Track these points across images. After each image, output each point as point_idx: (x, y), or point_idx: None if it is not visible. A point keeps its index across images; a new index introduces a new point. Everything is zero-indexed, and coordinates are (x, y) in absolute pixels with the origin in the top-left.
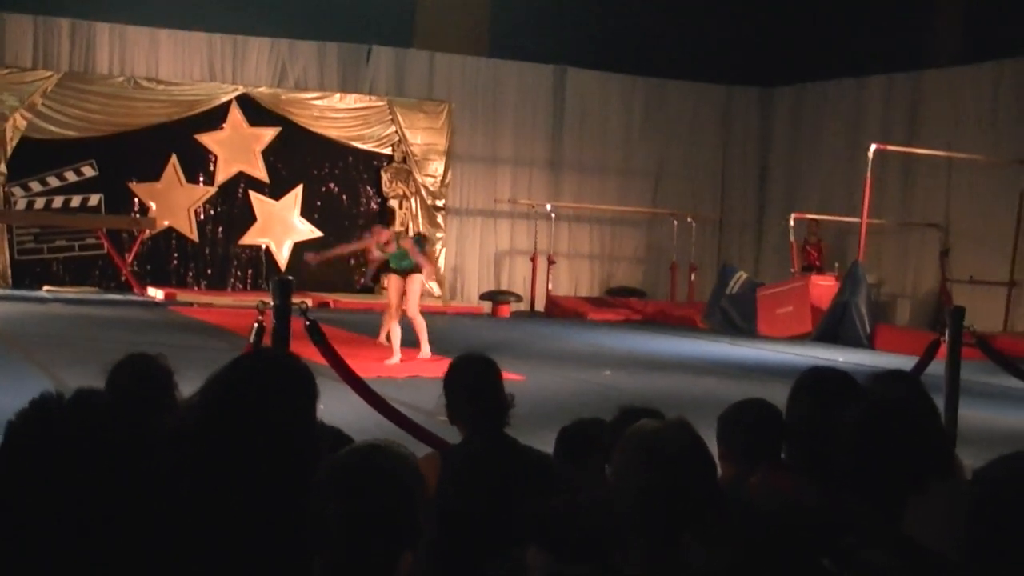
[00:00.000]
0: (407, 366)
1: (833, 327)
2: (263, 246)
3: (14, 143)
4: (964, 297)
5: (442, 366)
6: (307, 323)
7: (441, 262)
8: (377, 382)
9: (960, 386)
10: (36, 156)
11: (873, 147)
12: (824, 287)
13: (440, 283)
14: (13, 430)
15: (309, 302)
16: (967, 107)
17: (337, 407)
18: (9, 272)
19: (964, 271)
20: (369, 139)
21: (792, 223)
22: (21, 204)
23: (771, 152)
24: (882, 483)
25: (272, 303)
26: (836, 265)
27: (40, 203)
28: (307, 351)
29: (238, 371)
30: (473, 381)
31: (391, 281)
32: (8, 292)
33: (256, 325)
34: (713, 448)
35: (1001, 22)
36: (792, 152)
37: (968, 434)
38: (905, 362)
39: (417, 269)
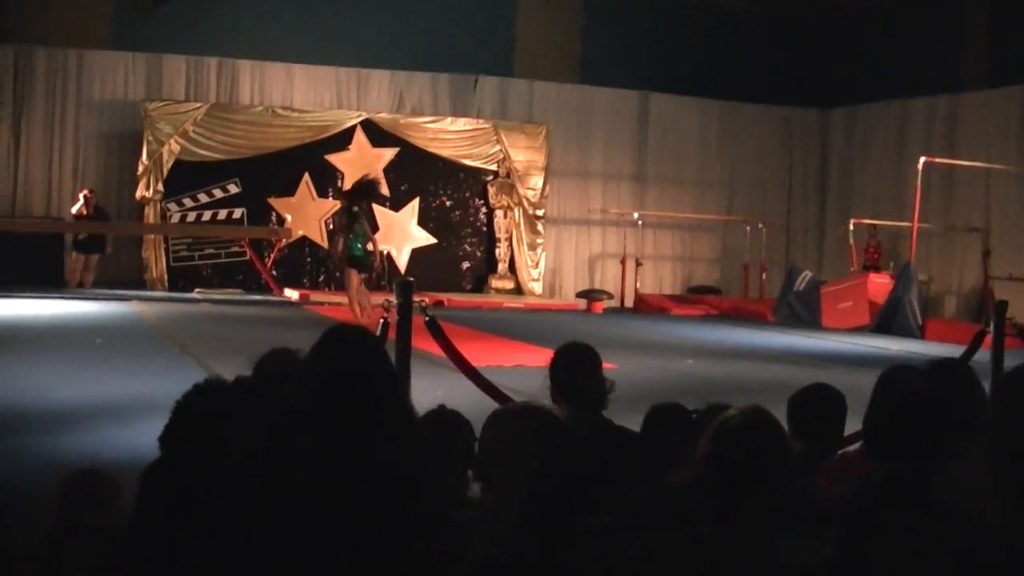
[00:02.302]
0: (513, 355)
1: (888, 320)
2: (384, 252)
3: (169, 165)
4: (1004, 293)
5: (543, 355)
6: (426, 319)
7: (541, 264)
8: (486, 370)
9: (1003, 371)
10: (188, 176)
11: (922, 160)
12: (880, 284)
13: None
14: (180, 407)
15: (427, 300)
16: (1000, 124)
17: (453, 393)
18: (166, 277)
19: (1004, 269)
20: (477, 157)
21: (851, 227)
22: (175, 218)
23: (829, 165)
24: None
25: (395, 302)
26: (890, 265)
27: (191, 217)
28: (427, 344)
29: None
30: (577, 366)
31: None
32: (165, 294)
33: (382, 321)
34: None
35: None
36: (848, 165)
37: None
38: (953, 350)
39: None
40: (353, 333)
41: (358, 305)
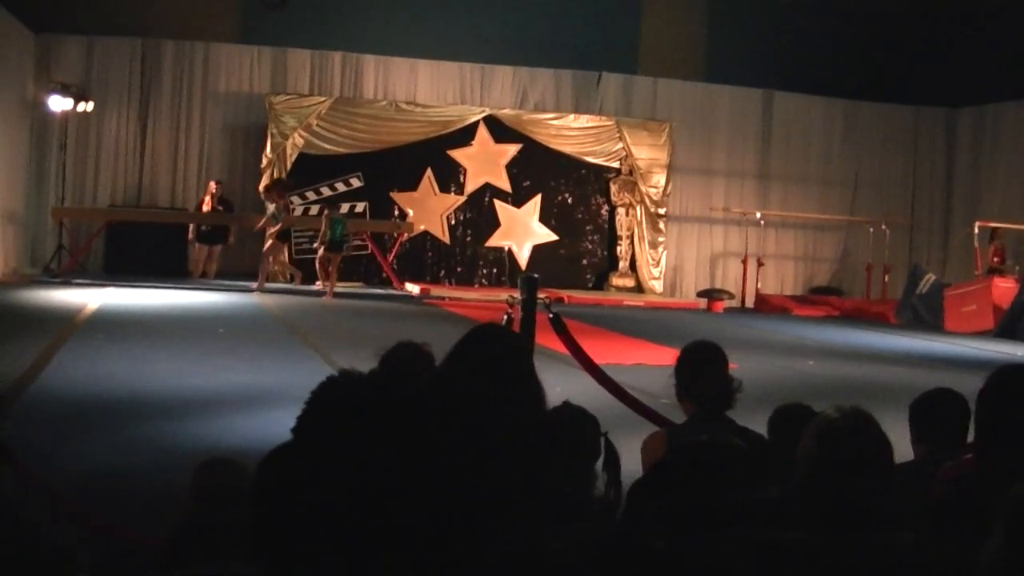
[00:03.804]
0: (633, 353)
1: (1013, 324)
2: (506, 248)
3: (293, 158)
4: None
5: (663, 354)
6: (551, 316)
7: (662, 263)
8: (606, 367)
9: None
10: (312, 169)
11: None
12: (1005, 288)
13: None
14: (316, 398)
15: (547, 297)
16: None
17: (575, 389)
18: (288, 269)
19: None
20: (599, 154)
21: (976, 230)
22: (298, 211)
23: (955, 165)
24: None
25: (520, 297)
26: (1016, 268)
27: (315, 210)
28: (550, 340)
29: (467, 339)
30: (703, 365)
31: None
32: (287, 286)
33: (506, 317)
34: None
35: None
36: (974, 166)
37: None
38: None
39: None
40: (501, 332)
41: (268, 261)
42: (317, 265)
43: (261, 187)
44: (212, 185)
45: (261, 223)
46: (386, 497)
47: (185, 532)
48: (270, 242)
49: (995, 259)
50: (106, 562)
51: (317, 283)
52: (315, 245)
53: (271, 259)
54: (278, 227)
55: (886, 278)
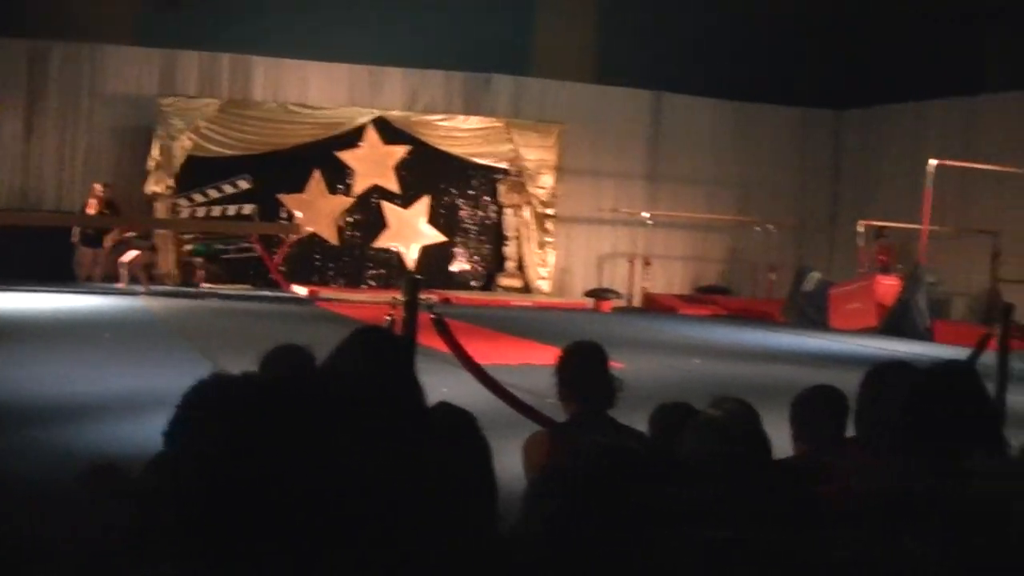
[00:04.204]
0: (520, 354)
1: (896, 322)
2: (394, 249)
3: (181, 161)
4: (1014, 296)
5: (551, 353)
6: (433, 316)
7: (550, 263)
8: (491, 368)
9: (1009, 373)
10: (200, 172)
11: (933, 162)
12: (889, 286)
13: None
14: (185, 402)
15: (435, 298)
16: (1016, 128)
17: (462, 390)
18: (176, 272)
19: (1014, 273)
20: (488, 155)
21: (861, 229)
22: (186, 213)
23: (842, 166)
24: (935, 449)
25: (403, 298)
26: (899, 266)
27: (202, 212)
28: (434, 341)
29: (346, 343)
30: (584, 365)
31: None
32: (174, 289)
33: (388, 318)
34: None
35: None
36: (861, 166)
37: (1016, 416)
38: (960, 353)
39: None
40: (381, 333)
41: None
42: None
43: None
44: (97, 187)
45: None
46: (263, 495)
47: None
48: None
49: (881, 258)
50: None
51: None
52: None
53: (128, 260)
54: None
55: (773, 277)
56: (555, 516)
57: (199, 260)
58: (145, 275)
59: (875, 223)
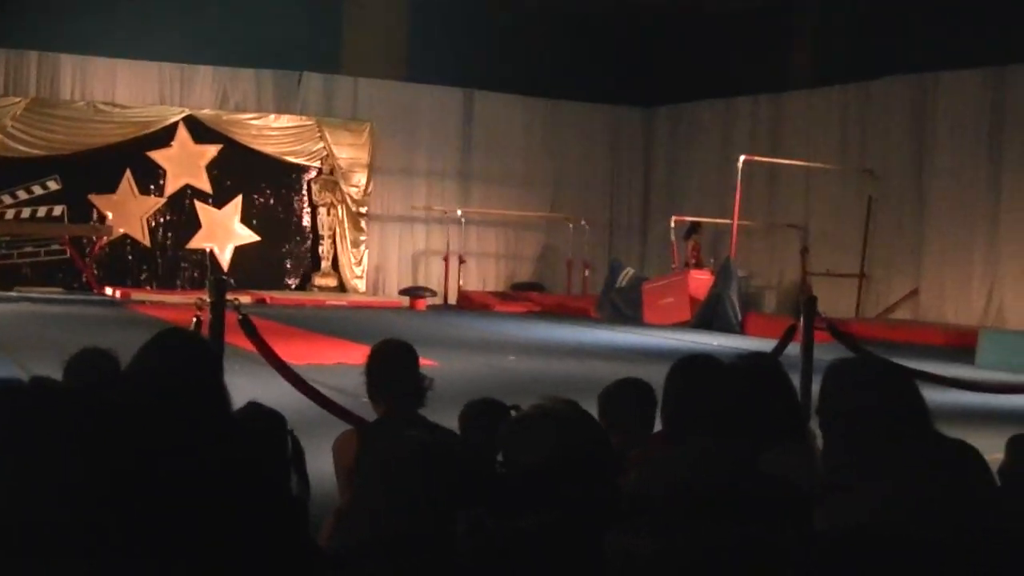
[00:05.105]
0: (334, 353)
1: (709, 315)
2: (208, 249)
3: None
4: (823, 288)
5: (365, 352)
6: (240, 317)
7: (364, 262)
8: (306, 368)
9: (813, 365)
10: (6, 172)
11: (742, 158)
12: (701, 280)
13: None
14: None
15: (247, 299)
16: (821, 124)
17: (269, 391)
18: None
19: (822, 265)
20: (300, 154)
21: (673, 225)
22: None
23: (653, 163)
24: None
25: (209, 300)
26: (711, 261)
27: (10, 214)
28: (245, 342)
29: (147, 347)
30: (392, 364)
31: None
32: None
33: (195, 320)
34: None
35: (848, 51)
36: (672, 163)
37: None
38: (770, 345)
39: None
40: (184, 335)
41: None
42: None
43: None
44: None
45: None
46: (62, 505)
47: None
48: None
49: (694, 253)
50: None
51: None
52: None
53: None
54: None
55: (586, 274)
56: (378, 511)
57: None
58: None
59: (687, 218)
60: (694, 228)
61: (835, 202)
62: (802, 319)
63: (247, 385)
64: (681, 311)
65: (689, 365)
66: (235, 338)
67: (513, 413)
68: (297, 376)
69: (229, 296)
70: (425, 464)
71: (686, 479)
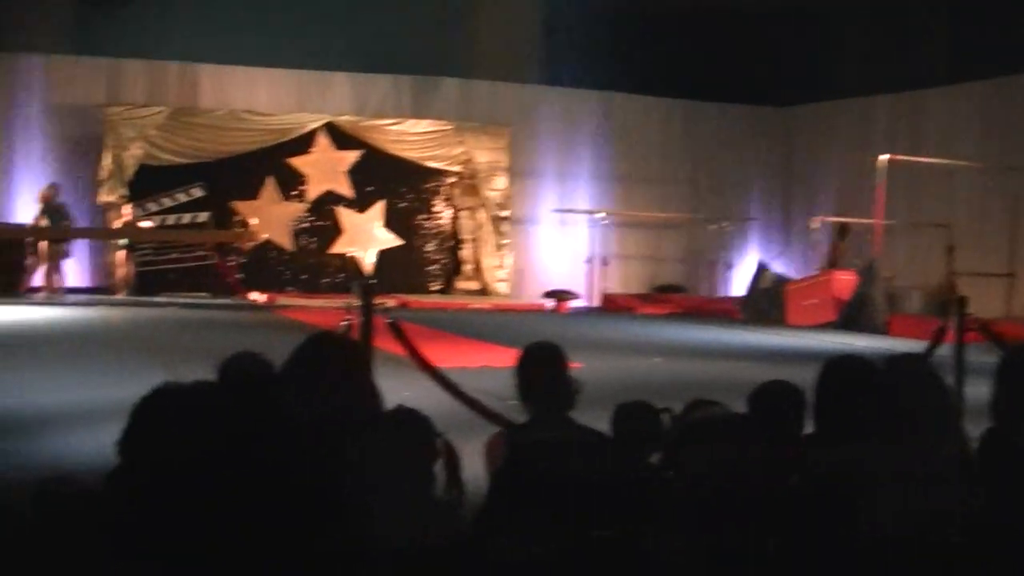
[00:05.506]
0: (479, 356)
1: (853, 316)
2: (350, 255)
3: (133, 170)
4: (968, 288)
5: (510, 356)
6: (388, 321)
7: (507, 265)
8: (452, 371)
9: (965, 365)
10: (152, 180)
11: (884, 157)
12: (845, 281)
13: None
14: (138, 411)
15: (392, 302)
16: (961, 120)
17: (422, 393)
18: (133, 282)
19: (968, 265)
20: (440, 159)
21: (815, 225)
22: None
23: (793, 162)
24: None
25: (357, 304)
26: (855, 261)
27: (157, 221)
28: (393, 346)
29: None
30: (542, 366)
31: None
32: (131, 299)
33: (344, 323)
34: None
35: (987, 45)
36: (812, 162)
37: (973, 406)
38: (917, 346)
39: None
40: (336, 339)
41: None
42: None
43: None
44: (43, 190)
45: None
46: (219, 502)
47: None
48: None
49: (836, 253)
50: None
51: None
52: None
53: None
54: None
55: (729, 275)
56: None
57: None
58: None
59: (830, 219)
60: (844, 230)
61: (977, 200)
62: (953, 319)
63: (400, 387)
64: (826, 312)
65: (842, 367)
66: (381, 341)
67: (665, 416)
68: (447, 379)
69: (377, 300)
70: (573, 466)
71: (842, 476)
